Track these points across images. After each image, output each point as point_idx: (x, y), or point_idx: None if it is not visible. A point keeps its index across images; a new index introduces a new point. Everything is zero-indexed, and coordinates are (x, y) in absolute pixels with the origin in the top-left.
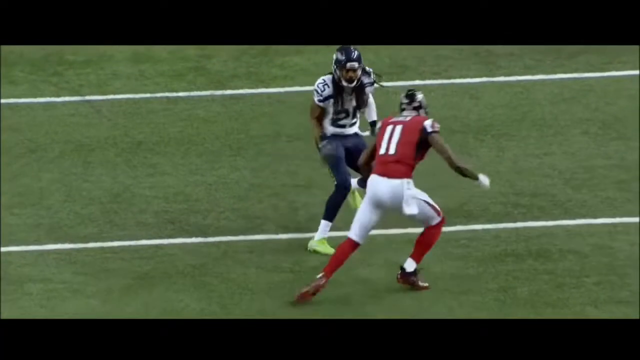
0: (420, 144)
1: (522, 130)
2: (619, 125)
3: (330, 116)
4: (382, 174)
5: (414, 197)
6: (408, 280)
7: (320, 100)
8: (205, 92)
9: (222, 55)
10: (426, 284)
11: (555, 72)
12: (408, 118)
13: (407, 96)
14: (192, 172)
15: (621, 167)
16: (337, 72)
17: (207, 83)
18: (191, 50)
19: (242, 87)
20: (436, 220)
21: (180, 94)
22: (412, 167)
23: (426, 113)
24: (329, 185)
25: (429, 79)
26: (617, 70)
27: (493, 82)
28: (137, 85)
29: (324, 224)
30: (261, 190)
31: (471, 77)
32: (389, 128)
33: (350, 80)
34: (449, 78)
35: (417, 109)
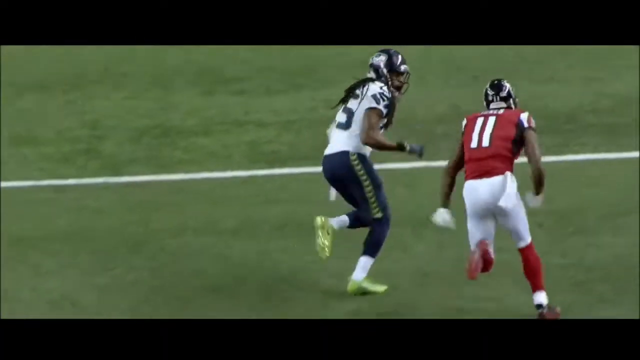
0: (516, 140)
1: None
2: (577, 218)
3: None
4: (479, 175)
5: (516, 194)
6: (551, 313)
7: (386, 107)
8: (98, 179)
9: (117, 136)
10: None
11: None
12: (500, 110)
13: (492, 86)
14: (82, 272)
15: (579, 266)
16: (389, 78)
17: (99, 168)
18: (81, 130)
19: (140, 173)
20: (527, 240)
21: (69, 181)
22: (512, 161)
23: (515, 104)
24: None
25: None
26: (574, 153)
27: (431, 167)
28: (19, 171)
29: (366, 261)
30: (163, 294)
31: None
32: (479, 120)
33: (401, 88)
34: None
35: (505, 99)
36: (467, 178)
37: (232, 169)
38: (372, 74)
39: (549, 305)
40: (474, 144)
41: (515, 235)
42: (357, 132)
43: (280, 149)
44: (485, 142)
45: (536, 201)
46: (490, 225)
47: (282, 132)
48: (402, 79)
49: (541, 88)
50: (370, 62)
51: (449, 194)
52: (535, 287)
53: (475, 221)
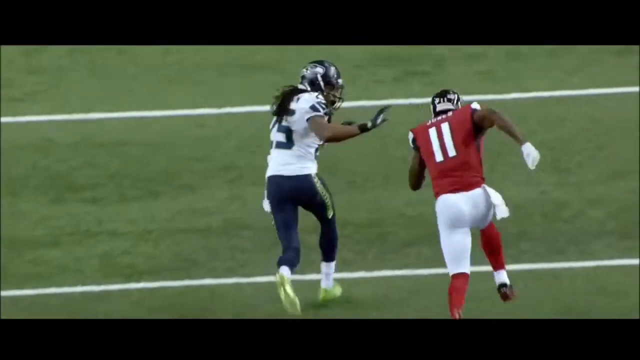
0: (476, 130)
1: None
2: None
3: (315, 148)
4: (456, 189)
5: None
6: (513, 292)
7: (326, 114)
8: None
9: None
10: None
11: (380, 269)
12: (449, 113)
13: (438, 95)
14: None
15: None
16: (325, 91)
17: None
18: None
19: None
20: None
21: None
22: (481, 165)
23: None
24: None
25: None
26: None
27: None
28: None
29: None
30: None
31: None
32: (432, 131)
33: (335, 104)
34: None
35: (452, 101)
36: (441, 193)
37: (84, 283)
38: (305, 87)
39: (510, 285)
40: (439, 158)
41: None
42: (301, 152)
43: (137, 262)
44: (451, 152)
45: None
46: (468, 235)
47: (139, 242)
48: (337, 93)
49: None
50: (303, 74)
51: None
52: (499, 266)
53: (452, 234)
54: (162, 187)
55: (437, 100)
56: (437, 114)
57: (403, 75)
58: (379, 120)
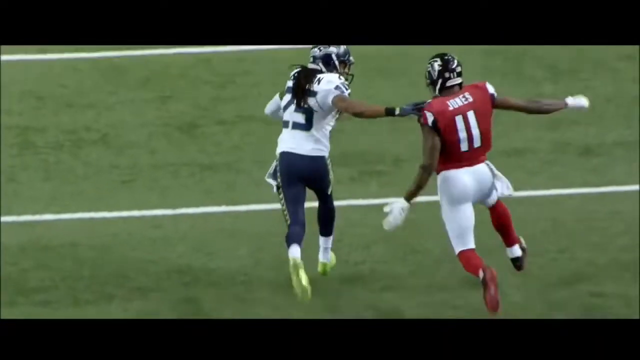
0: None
1: None
2: None
3: (330, 129)
4: (460, 165)
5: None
6: (525, 263)
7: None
8: None
9: None
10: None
11: None
12: (467, 95)
13: (446, 69)
14: None
15: None
16: (340, 69)
17: None
18: None
19: None
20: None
21: None
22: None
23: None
24: None
25: None
26: None
27: None
28: None
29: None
30: None
31: None
32: (459, 120)
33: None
34: None
35: (461, 74)
36: (444, 169)
37: None
38: (320, 67)
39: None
40: (464, 147)
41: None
42: (319, 133)
43: None
44: (477, 143)
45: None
46: (472, 211)
47: None
48: (348, 70)
49: None
50: (314, 54)
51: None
52: (510, 241)
53: (457, 210)
54: (116, 290)
55: (447, 75)
56: (447, 88)
57: (359, 175)
58: (407, 111)
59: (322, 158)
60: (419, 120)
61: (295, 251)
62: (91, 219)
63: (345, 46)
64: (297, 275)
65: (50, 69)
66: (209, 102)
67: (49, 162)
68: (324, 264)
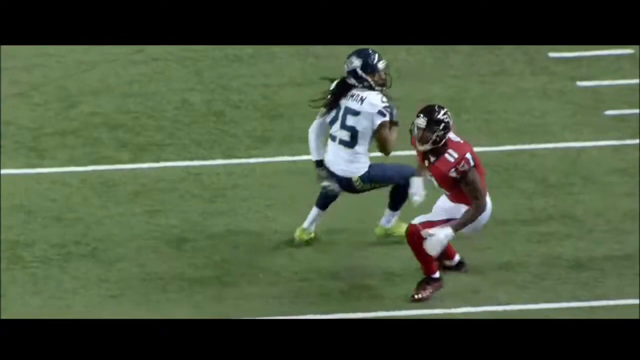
0: None
1: None
2: None
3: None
4: None
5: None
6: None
7: (391, 115)
8: None
9: None
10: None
11: None
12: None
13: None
14: None
15: None
16: (370, 79)
17: None
18: None
19: None
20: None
21: None
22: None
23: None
24: None
25: None
26: None
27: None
28: None
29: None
30: None
31: None
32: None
33: (381, 84)
34: None
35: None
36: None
37: None
38: (352, 81)
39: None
40: None
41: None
42: (360, 149)
43: None
44: None
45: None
46: None
47: None
48: (382, 74)
49: None
50: (346, 69)
51: None
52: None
53: None
54: None
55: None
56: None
57: (349, 289)
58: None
59: (349, 180)
60: (458, 169)
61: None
62: None
63: (371, 53)
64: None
65: (40, 183)
66: (198, 216)
67: (37, 276)
68: (384, 228)
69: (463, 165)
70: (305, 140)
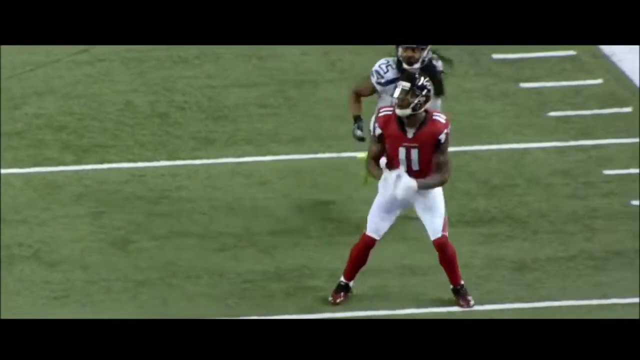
0: None
1: None
2: None
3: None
4: None
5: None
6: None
7: (379, 84)
8: None
9: None
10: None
11: None
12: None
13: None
14: None
15: None
16: (397, 51)
17: None
18: None
19: None
20: None
21: None
22: None
23: None
24: None
25: None
26: None
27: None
28: None
29: None
30: None
31: None
32: None
33: (409, 62)
34: None
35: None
36: None
37: None
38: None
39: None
40: None
41: None
42: None
43: None
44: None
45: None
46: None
47: None
48: (402, 52)
49: None
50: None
51: None
52: None
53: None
54: None
55: None
56: None
57: (293, 290)
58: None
59: None
60: (447, 132)
61: None
62: None
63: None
64: None
65: None
66: (142, 217)
67: None
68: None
69: (449, 129)
70: (250, 141)
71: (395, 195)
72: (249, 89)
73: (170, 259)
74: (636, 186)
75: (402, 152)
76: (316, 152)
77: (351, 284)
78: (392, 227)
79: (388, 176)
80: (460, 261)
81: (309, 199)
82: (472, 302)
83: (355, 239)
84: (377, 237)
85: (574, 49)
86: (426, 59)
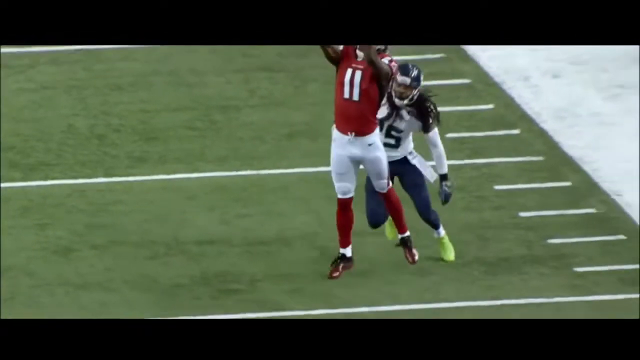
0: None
1: None
2: None
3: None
4: None
5: None
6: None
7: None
8: None
9: None
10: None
11: None
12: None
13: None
14: None
15: None
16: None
17: None
18: None
19: None
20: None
21: None
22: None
23: None
24: None
25: None
26: None
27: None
28: None
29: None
30: None
31: None
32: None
33: (400, 96)
34: None
35: None
36: None
37: None
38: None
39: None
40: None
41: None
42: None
43: None
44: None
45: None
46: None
47: None
48: (394, 85)
49: None
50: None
51: None
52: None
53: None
54: None
55: None
56: None
57: (218, 293)
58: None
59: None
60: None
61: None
62: None
63: (404, 64)
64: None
65: None
66: (83, 228)
67: None
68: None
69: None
70: (179, 160)
71: (345, 155)
72: (178, 113)
73: (108, 266)
74: (523, 200)
75: (349, 73)
76: (238, 170)
77: (348, 251)
78: None
79: (337, 137)
80: (368, 266)
81: (232, 212)
82: (416, 257)
83: (274, 247)
84: (348, 196)
85: (468, 78)
86: (415, 97)
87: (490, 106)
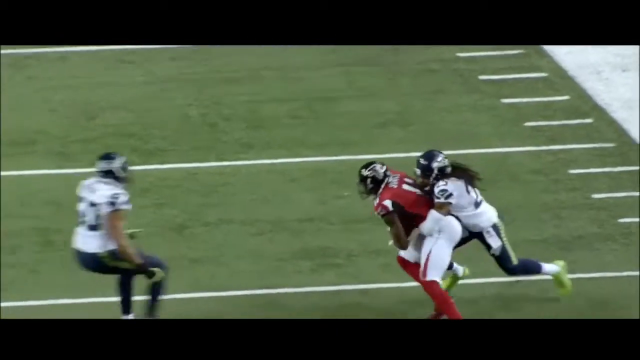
0: None
1: None
2: None
3: None
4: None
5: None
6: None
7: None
8: None
9: None
10: None
11: None
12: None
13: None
14: None
15: None
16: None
17: None
18: None
19: None
20: None
21: None
22: None
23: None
24: None
25: None
26: None
27: None
28: None
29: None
30: None
31: None
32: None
33: (422, 187)
34: None
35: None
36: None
37: None
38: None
39: None
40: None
41: None
42: None
43: None
44: None
45: None
46: None
47: None
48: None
49: None
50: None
51: None
52: None
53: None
54: None
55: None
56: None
57: (317, 267)
58: None
59: None
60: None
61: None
62: None
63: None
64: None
65: None
66: (196, 207)
67: None
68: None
69: (381, 211)
70: (282, 146)
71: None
72: (283, 103)
73: (218, 242)
74: (595, 182)
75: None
76: (336, 155)
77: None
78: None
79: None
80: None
81: (330, 193)
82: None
83: (368, 225)
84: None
85: (545, 72)
86: (436, 176)
87: (566, 97)
